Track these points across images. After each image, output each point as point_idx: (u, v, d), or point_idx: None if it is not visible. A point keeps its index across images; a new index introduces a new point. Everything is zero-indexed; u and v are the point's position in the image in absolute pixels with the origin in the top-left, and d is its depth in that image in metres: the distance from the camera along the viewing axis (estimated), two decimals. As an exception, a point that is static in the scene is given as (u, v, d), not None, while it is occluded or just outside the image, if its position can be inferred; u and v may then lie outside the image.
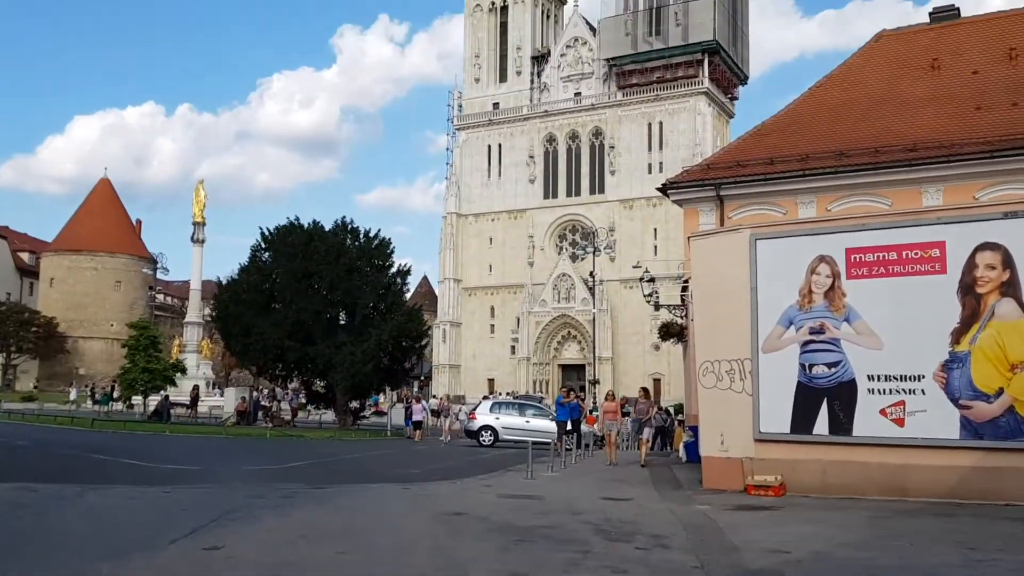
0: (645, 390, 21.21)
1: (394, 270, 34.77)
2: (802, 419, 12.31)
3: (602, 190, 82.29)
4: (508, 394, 60.71)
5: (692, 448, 18.03)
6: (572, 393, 24.95)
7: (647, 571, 7.03)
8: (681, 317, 24.22)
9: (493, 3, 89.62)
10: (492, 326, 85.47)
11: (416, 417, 29.23)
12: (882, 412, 11.80)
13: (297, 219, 34.08)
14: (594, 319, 60.97)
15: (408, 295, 47.93)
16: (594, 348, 60.84)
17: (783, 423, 12.43)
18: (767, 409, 12.58)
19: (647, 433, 19.69)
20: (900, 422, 11.69)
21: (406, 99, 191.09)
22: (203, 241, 53.74)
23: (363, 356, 31.27)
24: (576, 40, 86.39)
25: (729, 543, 8.33)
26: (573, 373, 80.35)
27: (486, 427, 27.42)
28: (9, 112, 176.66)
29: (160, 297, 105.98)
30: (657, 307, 26.78)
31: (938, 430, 11.44)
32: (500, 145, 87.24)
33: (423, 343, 37.16)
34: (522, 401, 35.45)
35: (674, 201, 25.54)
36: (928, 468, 11.54)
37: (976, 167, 21.49)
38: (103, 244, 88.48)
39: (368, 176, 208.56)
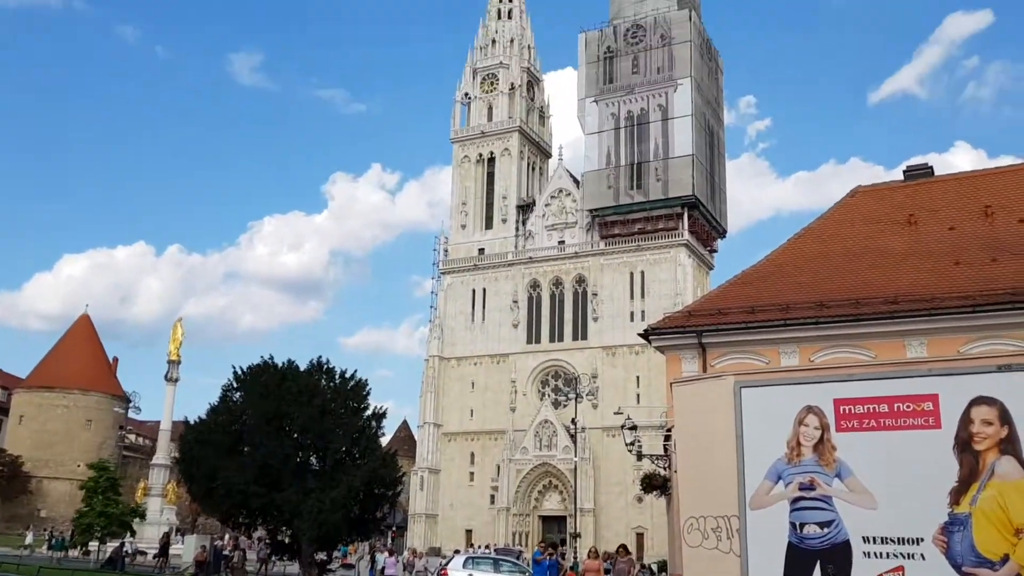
0: (624, 547, 20.12)
1: (369, 412, 33.74)
2: (794, 584, 11.40)
3: (585, 336, 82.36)
4: (486, 547, 58.29)
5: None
6: (550, 549, 23.66)
7: None
8: (664, 468, 23.35)
9: (480, 154, 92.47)
10: (471, 473, 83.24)
11: (389, 572, 27.58)
12: (881, 578, 10.94)
13: (271, 358, 33.35)
14: (576, 468, 59.44)
15: (385, 439, 46.58)
16: (575, 499, 59.03)
17: (774, 588, 11.50)
18: (756, 571, 11.68)
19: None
20: (901, 590, 10.82)
21: (394, 243, 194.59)
22: (177, 380, 52.67)
23: (332, 504, 29.78)
24: (560, 191, 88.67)
25: None
26: (554, 525, 77.72)
27: (459, 584, 25.88)
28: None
29: (131, 437, 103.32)
30: (639, 457, 25.89)
31: (942, 600, 10.56)
32: (484, 290, 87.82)
33: (397, 490, 35.70)
34: (498, 556, 33.73)
35: (656, 347, 25.17)
36: (933, 642, 10.59)
37: (958, 321, 21.36)
38: (77, 381, 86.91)
39: (353, 318, 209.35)
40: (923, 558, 10.74)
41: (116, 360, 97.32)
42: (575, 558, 40.79)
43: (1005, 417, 10.70)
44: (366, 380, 33.88)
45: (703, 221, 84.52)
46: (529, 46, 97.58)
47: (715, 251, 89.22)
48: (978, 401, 10.87)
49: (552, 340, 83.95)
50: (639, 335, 27.20)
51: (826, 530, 11.37)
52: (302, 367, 33.47)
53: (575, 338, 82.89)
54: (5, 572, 28.16)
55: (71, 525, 49.68)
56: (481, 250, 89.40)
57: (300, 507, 30.68)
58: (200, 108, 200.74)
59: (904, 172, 28.27)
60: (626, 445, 25.13)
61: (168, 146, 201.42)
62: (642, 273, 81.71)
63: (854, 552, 11.11)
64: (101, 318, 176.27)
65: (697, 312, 24.81)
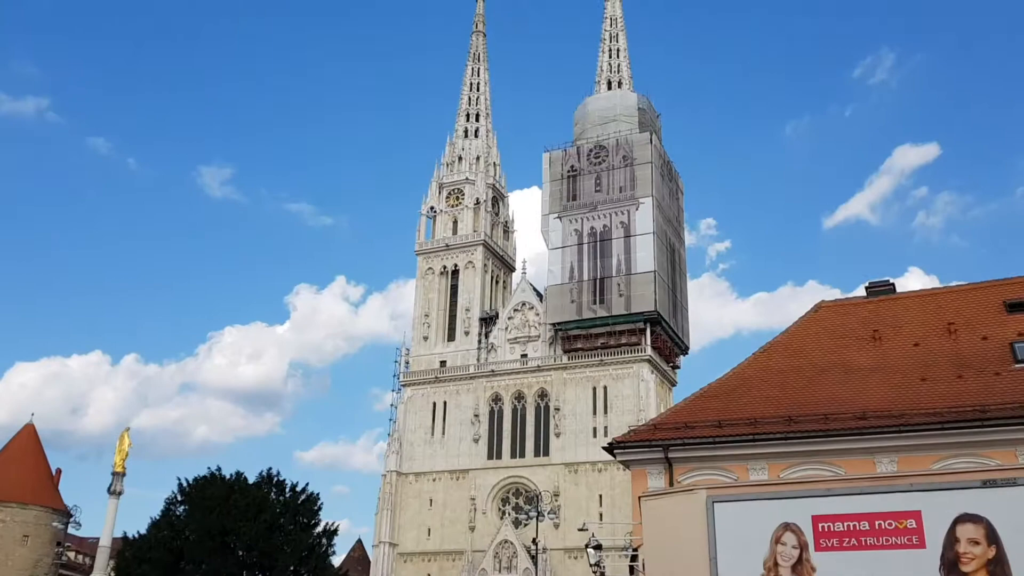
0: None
1: (320, 529, 32.16)
2: None
3: (547, 452, 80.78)
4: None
5: None
6: None
7: None
8: (630, 591, 22.18)
9: (444, 267, 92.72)
10: (428, 599, 79.70)
11: None
12: None
13: (219, 469, 31.89)
14: (536, 592, 56.99)
15: (338, 560, 44.37)
16: (535, 625, 56.34)
17: None
18: None
19: None
20: None
21: (356, 356, 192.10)
22: (121, 493, 49.86)
23: (276, 630, 28.00)
24: (523, 304, 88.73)
25: None
26: (513, 654, 74.18)
27: None
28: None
29: (71, 555, 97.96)
30: (604, 579, 24.68)
31: None
32: (445, 403, 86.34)
33: (348, 615, 33.73)
34: None
35: (621, 462, 24.38)
36: None
37: (928, 438, 21.03)
38: (15, 495, 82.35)
39: (311, 432, 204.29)
40: None
41: (59, 472, 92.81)
42: None
43: (992, 536, 10.16)
44: (317, 494, 32.54)
45: (666, 337, 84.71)
46: (495, 163, 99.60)
47: (678, 367, 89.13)
48: (963, 519, 10.34)
49: (513, 456, 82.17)
50: (604, 448, 26.43)
51: (809, 660, 10.55)
52: (253, 480, 32.04)
53: (537, 454, 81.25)
54: None
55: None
56: (443, 362, 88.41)
57: (242, 633, 28.73)
58: (168, 219, 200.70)
59: (867, 288, 28.41)
60: (591, 566, 23.98)
61: (134, 255, 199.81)
62: (605, 388, 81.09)
63: None
64: (49, 428, 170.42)
65: (663, 426, 24.17)
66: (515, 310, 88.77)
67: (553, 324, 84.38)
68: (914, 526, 10.56)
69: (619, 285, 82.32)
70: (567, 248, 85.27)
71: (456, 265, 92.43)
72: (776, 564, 11.10)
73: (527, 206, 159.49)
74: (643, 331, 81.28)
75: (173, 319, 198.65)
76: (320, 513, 32.01)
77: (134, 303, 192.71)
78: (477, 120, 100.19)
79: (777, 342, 26.92)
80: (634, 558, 21.03)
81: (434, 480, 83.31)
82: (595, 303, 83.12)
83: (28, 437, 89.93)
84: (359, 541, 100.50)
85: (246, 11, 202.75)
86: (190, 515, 30.90)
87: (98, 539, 67.87)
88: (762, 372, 25.41)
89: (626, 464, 23.95)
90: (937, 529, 10.43)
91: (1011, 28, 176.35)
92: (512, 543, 75.98)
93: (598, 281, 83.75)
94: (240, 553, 30.75)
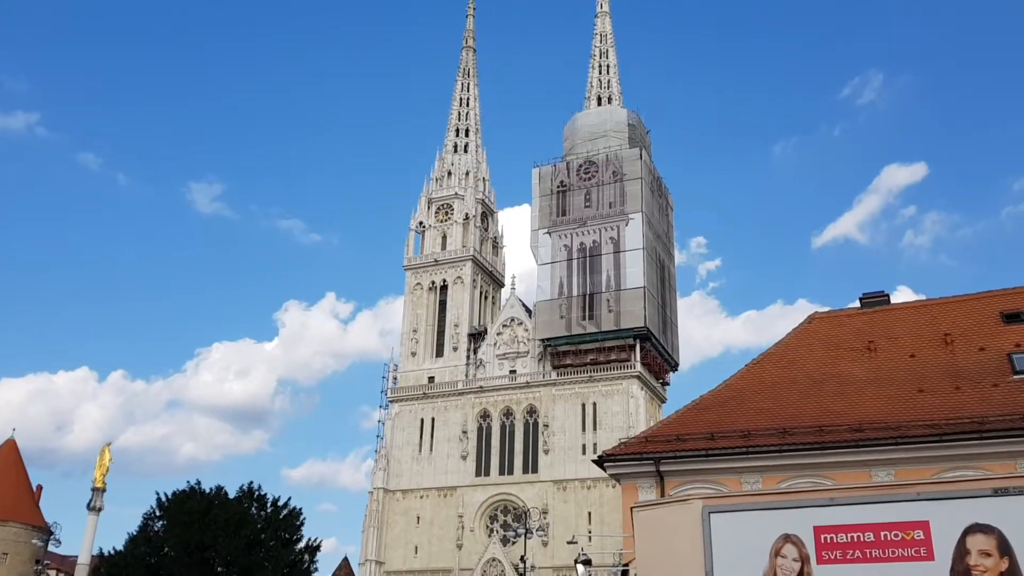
0: None
1: (302, 545, 31.34)
2: None
3: (535, 469, 79.94)
4: None
5: None
6: None
7: None
8: (620, 609, 21.54)
9: (433, 282, 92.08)
10: (415, 619, 78.52)
11: None
12: None
13: (198, 483, 31.07)
14: (524, 611, 55.98)
15: (321, 577, 43.50)
16: (523, 645, 55.31)
17: None
18: None
19: None
20: None
21: (344, 373, 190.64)
22: (100, 509, 48.80)
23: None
24: (512, 320, 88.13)
25: None
26: (500, 675, 73.02)
27: None
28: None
29: (52, 572, 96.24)
30: (593, 597, 24.06)
31: None
32: (433, 419, 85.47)
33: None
34: None
35: (611, 475, 23.77)
36: None
37: (925, 451, 20.55)
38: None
39: (298, 449, 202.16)
40: None
41: (40, 488, 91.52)
42: None
43: (1005, 547, 9.61)
44: (300, 509, 31.81)
45: (655, 353, 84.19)
46: (484, 179, 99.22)
47: (667, 384, 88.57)
48: (974, 529, 9.80)
49: (502, 473, 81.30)
50: (593, 462, 25.82)
51: None
52: (231, 494, 31.24)
53: (525, 471, 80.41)
54: None
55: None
56: (431, 378, 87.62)
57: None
58: (158, 235, 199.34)
59: (861, 299, 27.97)
60: (580, 582, 23.29)
61: (123, 271, 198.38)
62: (594, 404, 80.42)
63: None
64: (33, 445, 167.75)
65: (654, 438, 23.58)
66: (504, 326, 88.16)
67: (542, 340, 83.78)
68: (922, 537, 10.01)
69: (608, 301, 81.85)
70: (556, 264, 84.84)
71: (445, 280, 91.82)
72: (776, 578, 10.52)
73: (517, 223, 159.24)
74: (633, 347, 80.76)
75: (161, 335, 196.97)
76: (303, 528, 31.27)
77: (122, 319, 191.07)
78: (467, 135, 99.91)
79: (770, 353, 26.43)
80: (624, 574, 20.41)
81: (421, 497, 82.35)
82: (584, 319, 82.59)
83: (9, 453, 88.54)
84: (345, 559, 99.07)
85: (238, 28, 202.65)
86: (168, 530, 30.10)
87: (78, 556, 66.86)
88: (755, 384, 24.89)
89: (616, 478, 23.36)
90: (946, 540, 9.89)
91: (998, 49, 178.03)
92: (500, 561, 74.99)
93: (587, 297, 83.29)
94: (220, 569, 29.91)
